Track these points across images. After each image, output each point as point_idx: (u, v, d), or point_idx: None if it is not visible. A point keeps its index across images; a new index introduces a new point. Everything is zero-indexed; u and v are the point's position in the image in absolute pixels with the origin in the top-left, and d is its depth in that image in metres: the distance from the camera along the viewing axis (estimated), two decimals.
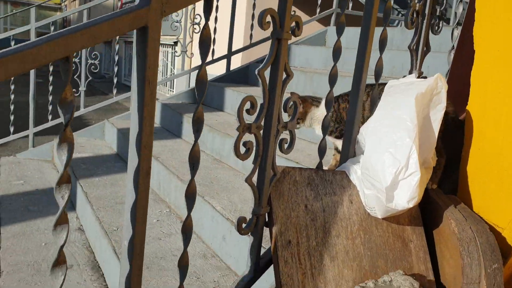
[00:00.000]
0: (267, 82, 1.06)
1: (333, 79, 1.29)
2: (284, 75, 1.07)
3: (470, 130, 1.42)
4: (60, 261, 0.73)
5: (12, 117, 3.64)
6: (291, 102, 1.13)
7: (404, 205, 1.15)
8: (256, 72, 1.00)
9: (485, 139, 1.35)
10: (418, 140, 1.16)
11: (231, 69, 4.12)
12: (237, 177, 2.38)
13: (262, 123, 1.06)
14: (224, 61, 4.07)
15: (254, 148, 1.07)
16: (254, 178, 1.12)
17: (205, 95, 0.91)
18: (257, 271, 1.22)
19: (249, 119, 1.03)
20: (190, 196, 0.93)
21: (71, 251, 2.19)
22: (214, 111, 3.56)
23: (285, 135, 1.16)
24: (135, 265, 0.85)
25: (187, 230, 0.96)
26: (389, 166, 1.12)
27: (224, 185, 2.21)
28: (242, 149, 1.03)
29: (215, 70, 4.01)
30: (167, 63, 8.78)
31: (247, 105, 1.01)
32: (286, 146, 1.16)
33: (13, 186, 3.06)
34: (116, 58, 3.98)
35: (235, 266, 1.77)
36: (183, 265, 0.96)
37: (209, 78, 3.90)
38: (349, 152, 1.35)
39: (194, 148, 0.92)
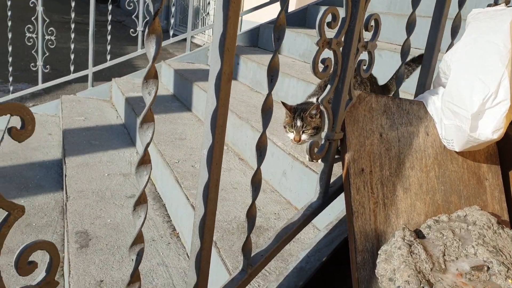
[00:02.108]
0: None
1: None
2: None
3: None
4: (145, 160, 0.72)
5: (72, 56, 3.70)
6: (373, 20, 1.05)
7: (488, 136, 1.08)
8: None
9: None
10: (511, 67, 1.06)
11: (288, 11, 3.98)
12: None
13: (343, 40, 1.00)
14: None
15: (332, 67, 1.02)
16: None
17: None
18: (325, 198, 1.19)
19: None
20: (262, 148, 0.91)
21: (133, 182, 2.26)
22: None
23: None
24: (213, 173, 0.84)
25: (256, 183, 0.92)
26: (477, 92, 1.04)
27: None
28: (320, 66, 0.98)
29: (271, 14, 3.88)
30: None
31: (328, 18, 0.95)
32: (364, 68, 1.10)
33: (75, 121, 3.16)
34: None
35: (295, 201, 1.76)
36: (251, 216, 0.94)
37: (265, 21, 3.75)
38: (427, 81, 1.27)
39: (267, 99, 0.87)
